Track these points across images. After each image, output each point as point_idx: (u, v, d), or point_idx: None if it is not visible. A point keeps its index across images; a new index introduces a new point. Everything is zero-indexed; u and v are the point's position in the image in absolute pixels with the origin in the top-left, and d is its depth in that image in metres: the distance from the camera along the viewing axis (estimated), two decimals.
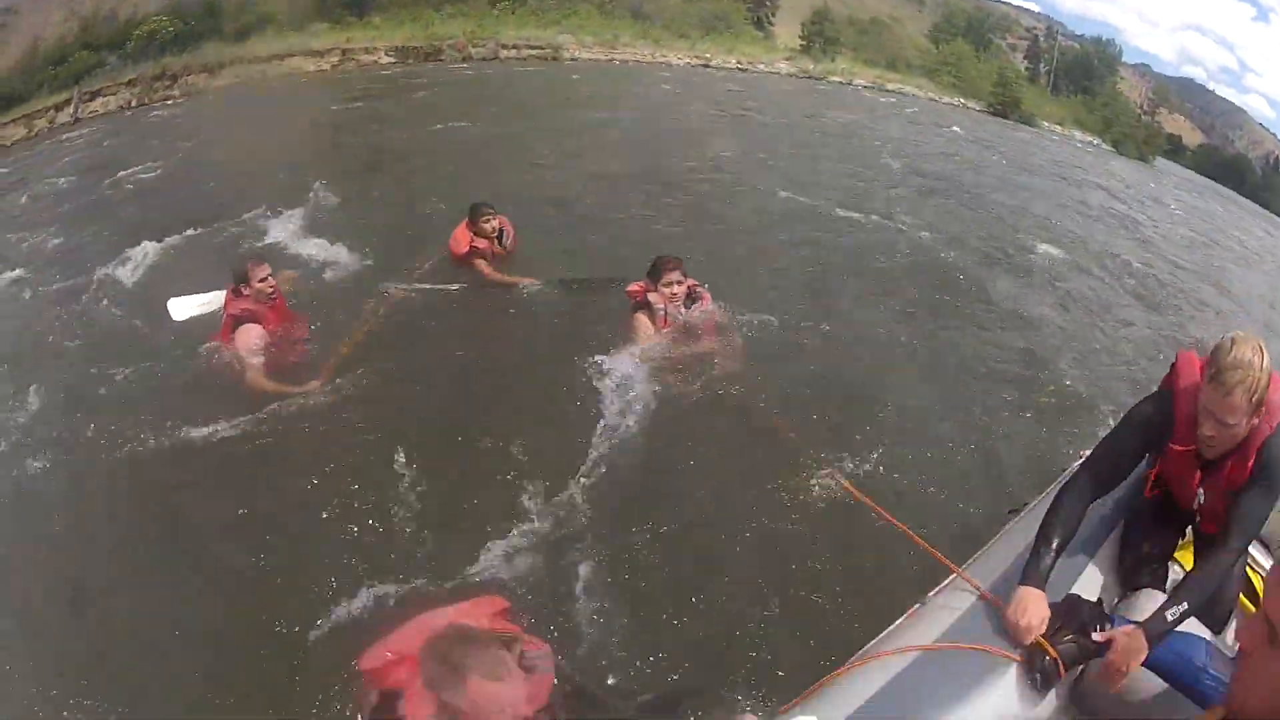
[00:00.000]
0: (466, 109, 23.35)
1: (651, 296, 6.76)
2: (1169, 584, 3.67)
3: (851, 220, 13.02)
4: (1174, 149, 62.74)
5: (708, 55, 45.88)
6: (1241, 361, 3.09)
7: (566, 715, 2.98)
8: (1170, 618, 3.06)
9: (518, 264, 8.77)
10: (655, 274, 6.80)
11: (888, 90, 47.88)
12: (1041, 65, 64.85)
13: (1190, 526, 3.82)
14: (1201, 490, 3.44)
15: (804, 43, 52.52)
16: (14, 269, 10.90)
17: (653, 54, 44.14)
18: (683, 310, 6.82)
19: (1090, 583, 3.52)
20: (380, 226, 10.74)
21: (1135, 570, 3.67)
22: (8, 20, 54.05)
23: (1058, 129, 51.84)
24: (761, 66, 46.45)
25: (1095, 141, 52.20)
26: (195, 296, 7.36)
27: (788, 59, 48.73)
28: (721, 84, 36.59)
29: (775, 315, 7.99)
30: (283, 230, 10.50)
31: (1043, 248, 13.44)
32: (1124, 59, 66.82)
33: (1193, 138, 70.21)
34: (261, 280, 6.63)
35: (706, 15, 50.47)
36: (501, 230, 8.75)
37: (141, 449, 5.74)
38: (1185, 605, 3.07)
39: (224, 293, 6.82)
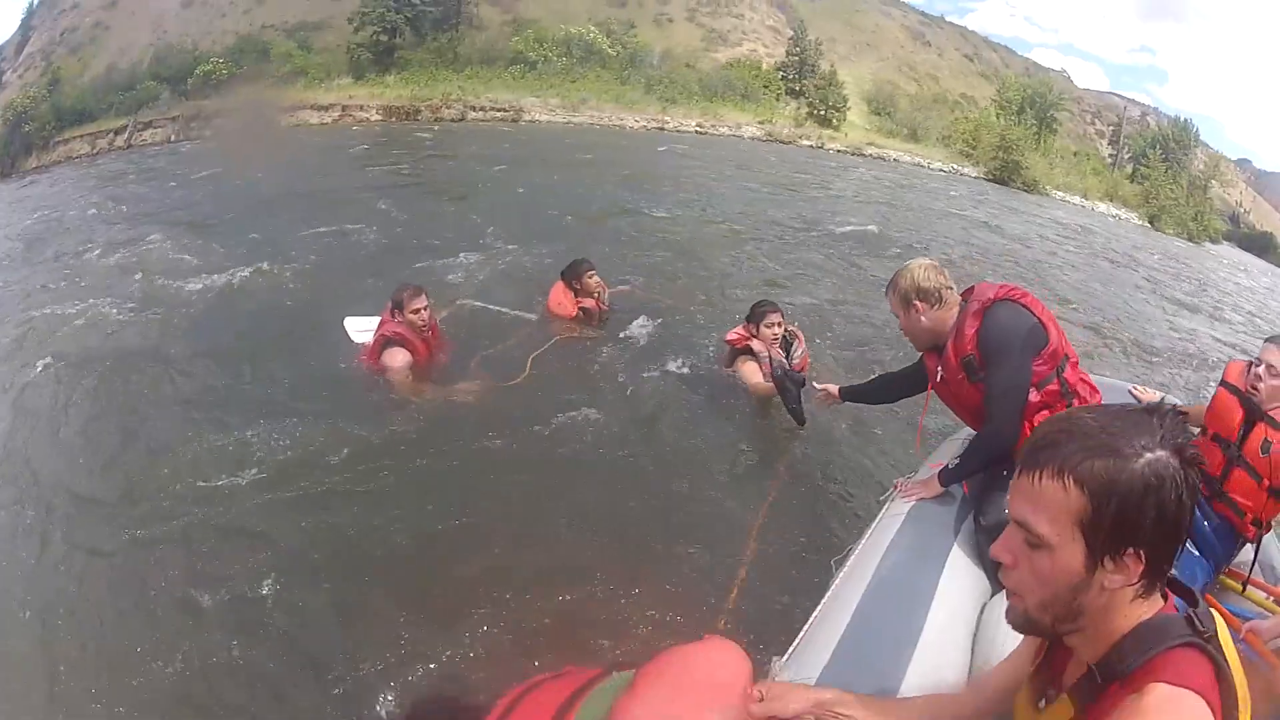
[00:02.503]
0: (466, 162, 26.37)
1: (755, 344, 6.71)
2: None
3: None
4: (1253, 237, 61.65)
5: (665, 118, 48.50)
6: (898, 271, 3.92)
7: None
8: (950, 465, 3.72)
9: (611, 321, 8.42)
10: (756, 319, 6.73)
11: (864, 154, 48.72)
12: (1123, 149, 65.44)
13: None
14: (940, 369, 3.87)
15: (809, 109, 54.78)
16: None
17: (610, 117, 47.55)
18: (781, 353, 6.74)
19: (958, 577, 3.29)
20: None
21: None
22: (97, 35, 65.40)
23: (1077, 199, 51.33)
24: (724, 130, 48.49)
25: (1121, 215, 51.22)
26: (370, 319, 7.44)
27: (760, 123, 50.39)
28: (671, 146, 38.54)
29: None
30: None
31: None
32: (1223, 150, 65.26)
33: None
34: (414, 311, 6.72)
35: (717, 83, 54.38)
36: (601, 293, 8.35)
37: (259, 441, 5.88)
38: (959, 461, 3.70)
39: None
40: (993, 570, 2.94)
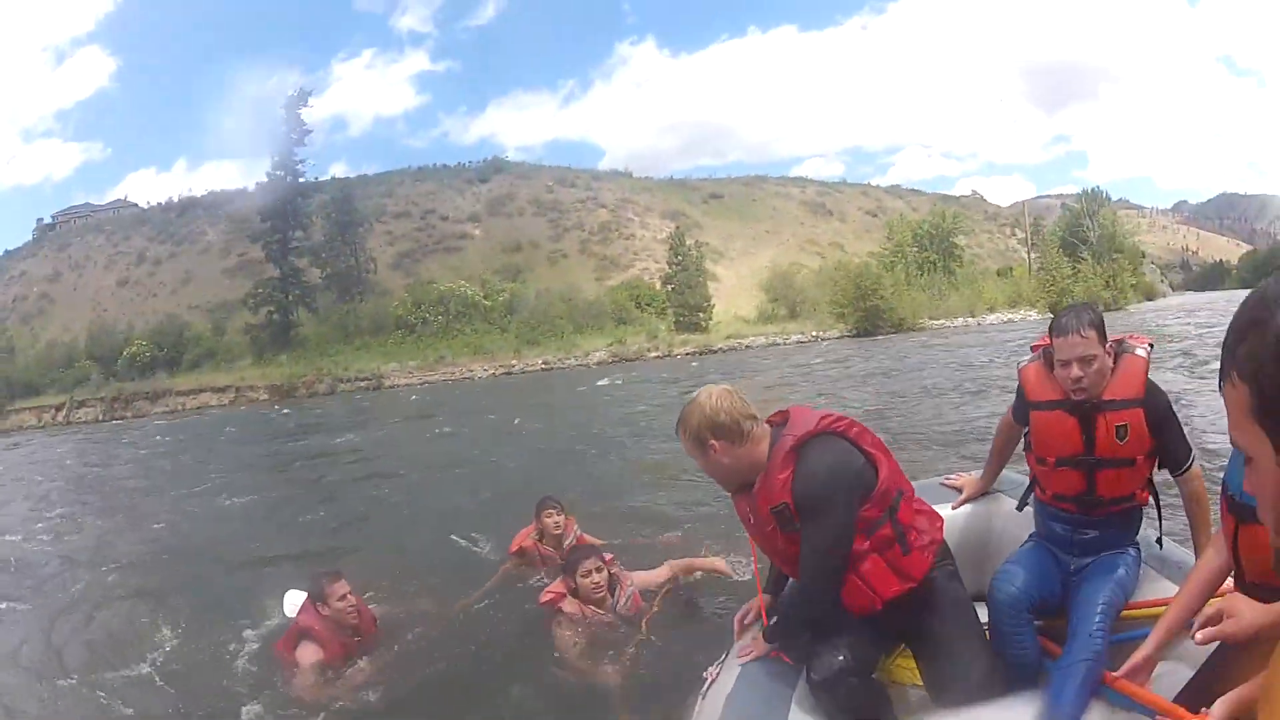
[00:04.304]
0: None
1: (567, 605, 5.30)
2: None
3: None
4: (1204, 274, 62.19)
5: (513, 362, 52.98)
6: (687, 405, 3.05)
7: None
8: (774, 625, 3.02)
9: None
10: (569, 569, 5.34)
11: (713, 351, 51.40)
12: (1039, 249, 65.04)
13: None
14: (750, 515, 3.07)
15: (676, 319, 57.80)
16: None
17: (462, 370, 52.40)
18: (607, 603, 5.34)
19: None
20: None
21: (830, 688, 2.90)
22: (44, 306, 76.69)
23: (962, 319, 52.22)
24: (572, 360, 51.82)
25: (1015, 316, 51.93)
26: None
27: (609, 345, 53.11)
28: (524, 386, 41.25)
29: None
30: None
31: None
32: (1156, 204, 65.78)
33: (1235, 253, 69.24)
34: (340, 599, 5.54)
35: (588, 313, 58.96)
36: (565, 531, 7.00)
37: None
38: (779, 621, 3.01)
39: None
40: None
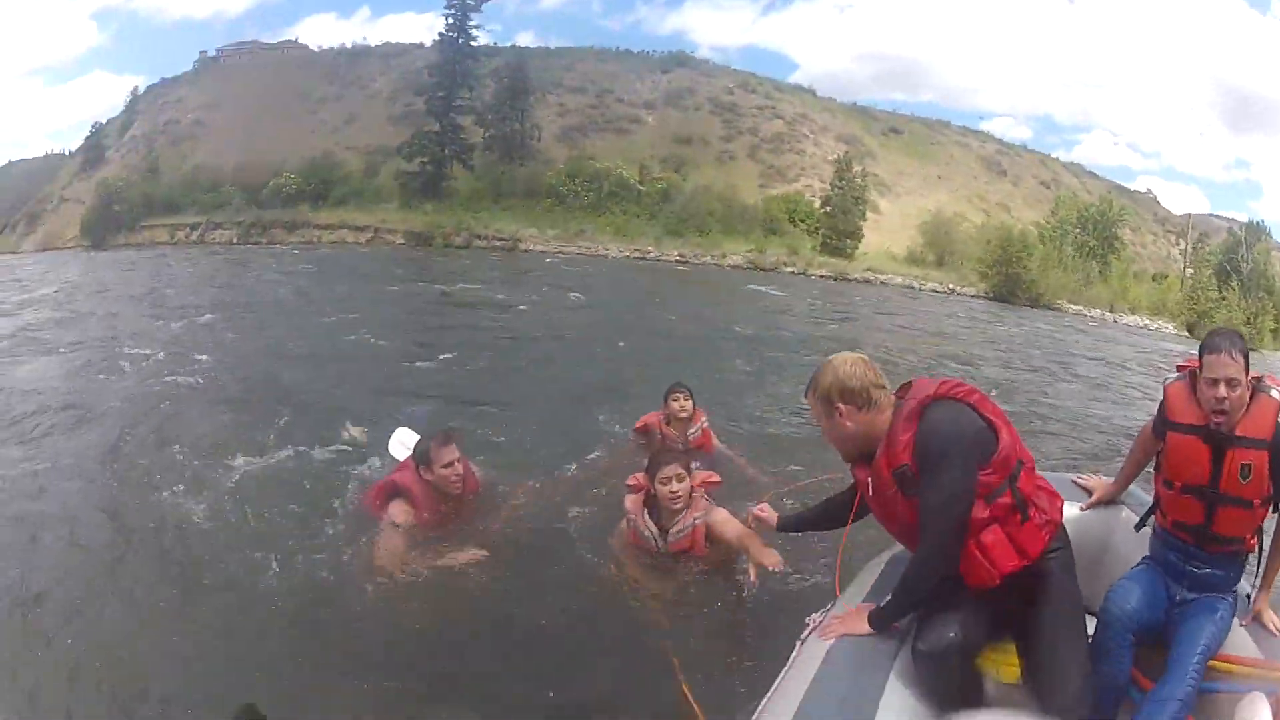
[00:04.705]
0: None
1: (629, 501, 4.91)
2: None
3: None
4: None
5: (649, 249, 52.30)
6: (818, 368, 3.20)
7: None
8: (882, 604, 2.99)
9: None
10: (651, 470, 4.79)
11: (848, 279, 49.74)
12: (1197, 265, 62.69)
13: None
14: (871, 481, 3.15)
15: (823, 239, 56.61)
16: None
17: (598, 247, 51.92)
18: (649, 524, 4.84)
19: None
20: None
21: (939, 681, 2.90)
22: (196, 132, 76.36)
23: (1098, 312, 50.83)
24: (707, 259, 51.40)
25: (1153, 325, 50.09)
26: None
27: (747, 252, 52.49)
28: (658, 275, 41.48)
29: None
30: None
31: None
32: None
33: None
34: (446, 465, 5.24)
35: (739, 216, 57.52)
36: (692, 420, 6.97)
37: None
38: (890, 597, 2.99)
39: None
40: (936, 706, 2.82)
